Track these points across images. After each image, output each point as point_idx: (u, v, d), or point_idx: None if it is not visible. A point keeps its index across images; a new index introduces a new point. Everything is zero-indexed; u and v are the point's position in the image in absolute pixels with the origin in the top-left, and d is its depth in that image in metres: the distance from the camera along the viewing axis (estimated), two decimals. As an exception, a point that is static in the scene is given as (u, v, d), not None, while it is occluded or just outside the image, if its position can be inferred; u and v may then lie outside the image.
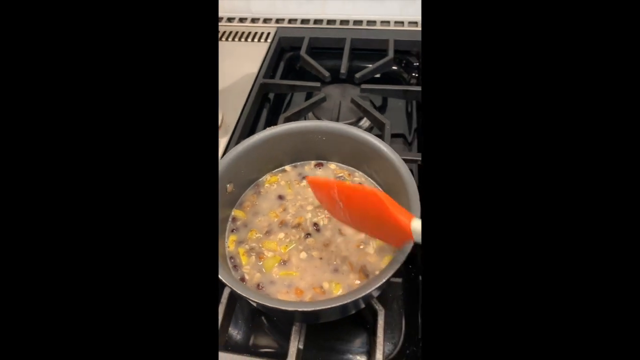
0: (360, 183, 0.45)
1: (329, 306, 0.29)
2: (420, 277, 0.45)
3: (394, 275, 0.44)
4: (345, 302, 0.29)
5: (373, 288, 0.30)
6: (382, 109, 0.66)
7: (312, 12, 0.77)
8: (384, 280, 0.30)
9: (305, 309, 0.29)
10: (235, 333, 0.41)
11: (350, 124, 0.56)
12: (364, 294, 0.29)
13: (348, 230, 0.40)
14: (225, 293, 0.39)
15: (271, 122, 0.63)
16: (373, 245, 0.39)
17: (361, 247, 0.39)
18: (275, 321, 0.42)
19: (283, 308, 0.29)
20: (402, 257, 0.32)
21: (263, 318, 0.43)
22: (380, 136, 0.48)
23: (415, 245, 0.37)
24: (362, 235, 0.40)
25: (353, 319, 0.41)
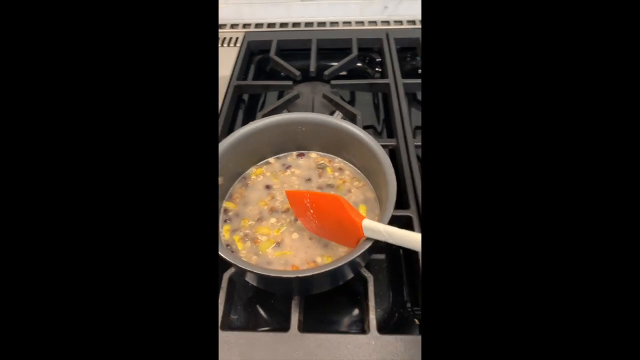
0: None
1: (323, 270, 0.32)
2: (401, 250, 0.49)
3: (378, 252, 0.49)
4: (336, 266, 0.33)
5: (358, 254, 0.34)
6: (351, 103, 0.70)
7: (278, 16, 0.80)
8: (366, 248, 0.34)
9: (303, 275, 0.32)
10: (235, 319, 0.44)
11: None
12: (351, 259, 0.33)
13: (334, 210, 0.44)
14: (225, 278, 0.41)
15: (248, 121, 0.65)
16: (358, 220, 0.43)
17: (347, 223, 0.43)
18: (271, 305, 0.45)
19: (284, 276, 0.33)
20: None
21: (258, 307, 0.45)
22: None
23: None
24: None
25: (345, 293, 0.44)
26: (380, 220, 0.36)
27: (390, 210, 0.37)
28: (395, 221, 0.48)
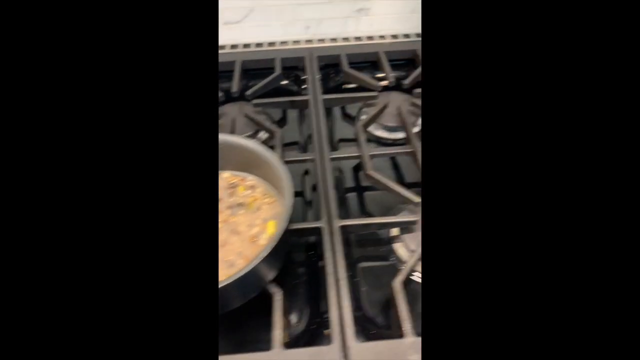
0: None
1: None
2: (319, 263, 0.49)
3: (298, 266, 0.49)
4: (232, 280, 0.33)
5: (250, 267, 0.35)
6: (282, 121, 0.71)
7: (202, 40, 0.81)
8: (259, 261, 0.35)
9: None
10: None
11: (248, 136, 0.60)
12: (245, 272, 0.34)
13: (242, 228, 0.44)
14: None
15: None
16: (264, 237, 0.43)
17: (254, 240, 0.43)
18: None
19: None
20: (274, 242, 0.37)
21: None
22: (274, 145, 0.55)
23: (292, 232, 0.42)
24: (254, 230, 0.43)
25: (258, 311, 0.44)
26: (276, 232, 0.36)
27: (285, 222, 0.38)
28: (305, 232, 0.49)
